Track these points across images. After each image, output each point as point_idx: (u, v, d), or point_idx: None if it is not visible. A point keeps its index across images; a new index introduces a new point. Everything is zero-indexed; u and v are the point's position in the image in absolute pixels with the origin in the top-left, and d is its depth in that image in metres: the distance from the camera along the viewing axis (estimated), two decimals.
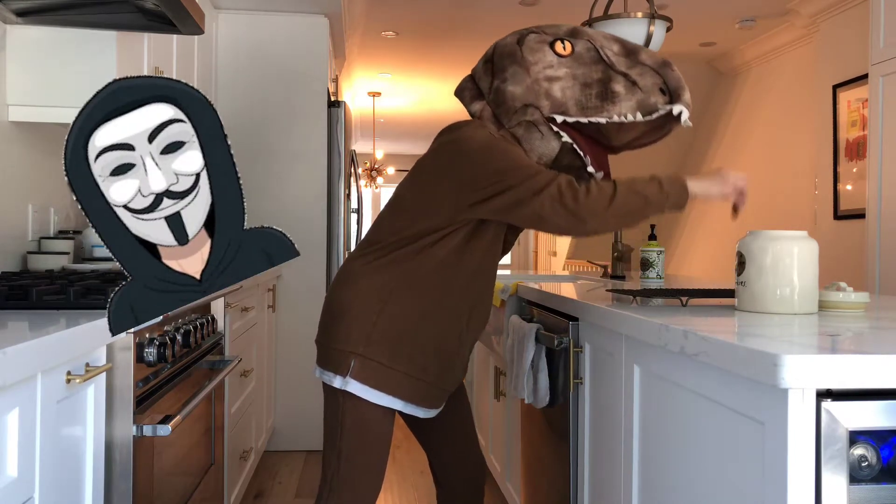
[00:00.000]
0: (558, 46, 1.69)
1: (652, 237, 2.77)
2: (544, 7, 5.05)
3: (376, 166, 9.27)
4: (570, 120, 1.65)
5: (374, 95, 7.97)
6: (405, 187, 1.70)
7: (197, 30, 2.16)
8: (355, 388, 1.61)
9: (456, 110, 8.76)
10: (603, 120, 1.65)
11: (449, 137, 1.67)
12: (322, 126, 3.94)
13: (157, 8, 1.96)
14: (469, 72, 1.92)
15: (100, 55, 2.18)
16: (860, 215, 4.40)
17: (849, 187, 4.54)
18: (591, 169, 1.68)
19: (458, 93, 1.81)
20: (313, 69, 3.93)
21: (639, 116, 1.65)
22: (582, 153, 1.67)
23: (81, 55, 2.17)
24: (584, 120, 1.65)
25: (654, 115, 1.65)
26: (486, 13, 5.23)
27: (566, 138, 1.66)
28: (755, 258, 1.44)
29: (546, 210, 1.54)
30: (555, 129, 1.66)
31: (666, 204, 1.58)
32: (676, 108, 1.64)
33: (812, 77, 5.32)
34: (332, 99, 4.36)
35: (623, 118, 1.65)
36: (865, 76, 4.23)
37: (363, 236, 1.74)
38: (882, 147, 3.42)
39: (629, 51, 1.70)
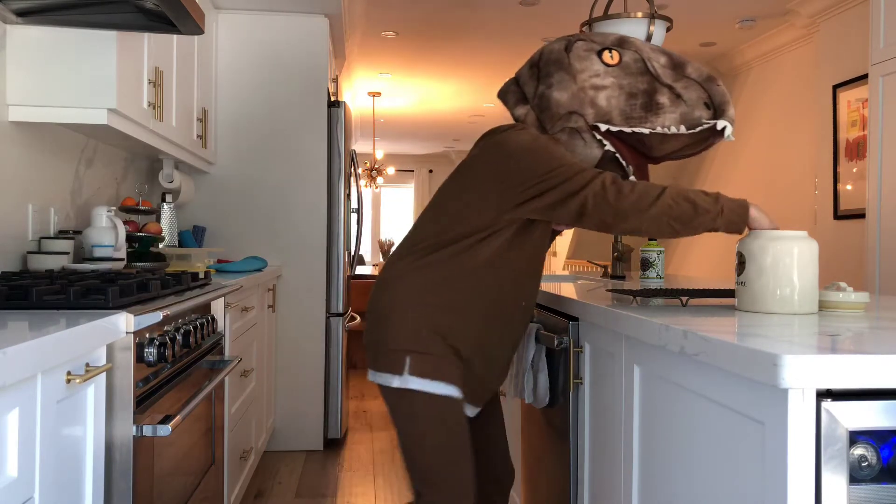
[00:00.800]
0: (606, 56, 1.70)
1: (652, 238, 2.77)
2: (544, 7, 5.05)
3: (376, 166, 9.27)
4: (613, 129, 1.67)
5: (374, 95, 7.97)
6: (446, 190, 1.71)
7: (197, 30, 2.16)
8: (416, 383, 1.61)
9: (456, 110, 8.76)
10: (646, 131, 1.66)
11: (492, 140, 1.68)
12: (322, 126, 3.94)
13: (157, 8, 1.96)
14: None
15: (100, 55, 2.18)
16: (860, 215, 4.40)
17: (849, 187, 4.54)
18: (632, 178, 1.70)
19: (502, 95, 1.82)
20: (313, 69, 3.93)
21: (682, 129, 1.66)
22: (624, 162, 1.70)
23: (81, 55, 2.17)
24: (627, 129, 1.67)
25: (698, 129, 1.66)
26: (486, 13, 5.23)
27: (609, 147, 1.68)
28: (755, 258, 1.44)
29: (589, 205, 1.54)
30: (598, 136, 1.68)
31: (719, 219, 1.52)
32: (721, 124, 1.65)
33: (812, 77, 5.32)
34: (332, 99, 4.36)
35: (666, 130, 1.66)
36: (865, 76, 4.23)
37: (403, 239, 1.76)
38: (882, 147, 3.42)
39: (676, 64, 1.71)
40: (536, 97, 1.72)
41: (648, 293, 1.78)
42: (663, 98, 1.67)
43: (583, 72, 1.68)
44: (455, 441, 1.64)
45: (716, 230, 1.54)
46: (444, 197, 1.70)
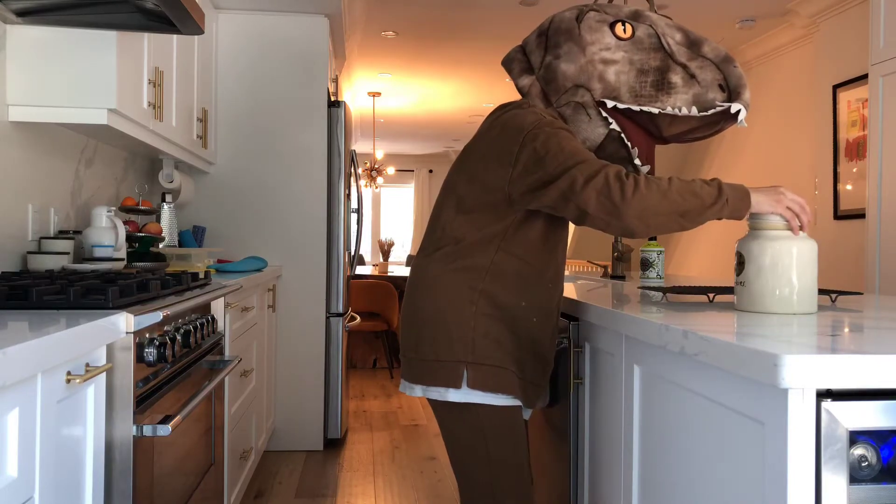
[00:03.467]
0: (618, 28, 1.62)
1: (652, 237, 2.77)
2: (544, 7, 5.05)
3: (376, 166, 9.27)
4: (620, 106, 1.60)
5: (374, 95, 7.97)
6: (463, 181, 1.60)
7: (197, 30, 2.16)
8: (476, 396, 1.53)
9: (456, 110, 8.76)
10: (655, 110, 1.59)
11: (500, 120, 1.58)
12: (322, 126, 3.94)
13: (157, 8, 1.96)
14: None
15: (100, 55, 2.18)
16: (860, 215, 4.40)
17: (849, 187, 4.54)
18: (637, 161, 1.63)
19: (507, 63, 1.73)
20: (313, 69, 3.93)
21: (694, 111, 1.60)
22: (629, 144, 1.62)
23: (81, 55, 2.17)
24: (635, 108, 1.59)
25: (710, 112, 1.59)
26: (486, 13, 5.23)
27: (614, 126, 1.61)
28: (754, 258, 1.44)
29: (591, 205, 1.41)
30: (604, 114, 1.60)
31: (725, 209, 1.43)
32: (735, 107, 1.57)
33: (812, 77, 5.32)
34: (332, 99, 4.36)
35: (677, 111, 1.59)
36: (865, 76, 4.23)
37: (427, 235, 1.66)
38: (882, 147, 3.42)
39: (692, 42, 1.63)
40: (542, 67, 1.63)
41: (678, 290, 1.78)
42: (676, 77, 1.59)
43: (593, 44, 1.60)
44: (519, 452, 1.58)
45: (720, 218, 1.46)
46: (462, 190, 1.59)
